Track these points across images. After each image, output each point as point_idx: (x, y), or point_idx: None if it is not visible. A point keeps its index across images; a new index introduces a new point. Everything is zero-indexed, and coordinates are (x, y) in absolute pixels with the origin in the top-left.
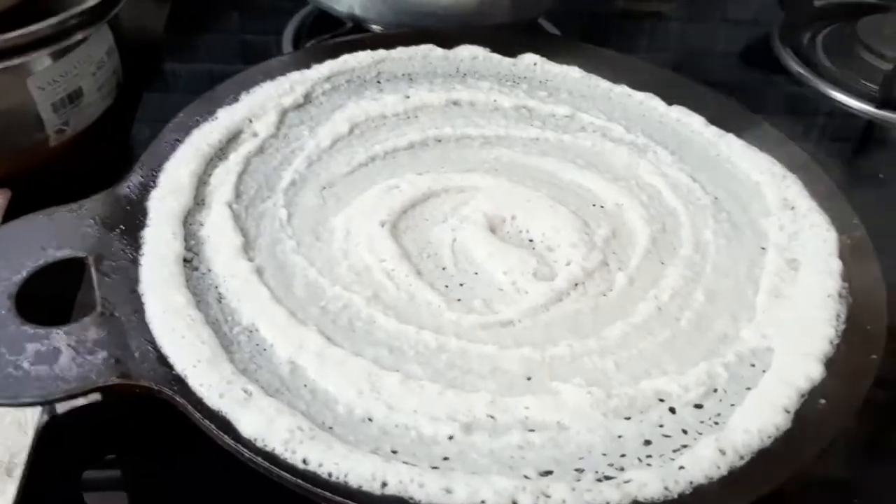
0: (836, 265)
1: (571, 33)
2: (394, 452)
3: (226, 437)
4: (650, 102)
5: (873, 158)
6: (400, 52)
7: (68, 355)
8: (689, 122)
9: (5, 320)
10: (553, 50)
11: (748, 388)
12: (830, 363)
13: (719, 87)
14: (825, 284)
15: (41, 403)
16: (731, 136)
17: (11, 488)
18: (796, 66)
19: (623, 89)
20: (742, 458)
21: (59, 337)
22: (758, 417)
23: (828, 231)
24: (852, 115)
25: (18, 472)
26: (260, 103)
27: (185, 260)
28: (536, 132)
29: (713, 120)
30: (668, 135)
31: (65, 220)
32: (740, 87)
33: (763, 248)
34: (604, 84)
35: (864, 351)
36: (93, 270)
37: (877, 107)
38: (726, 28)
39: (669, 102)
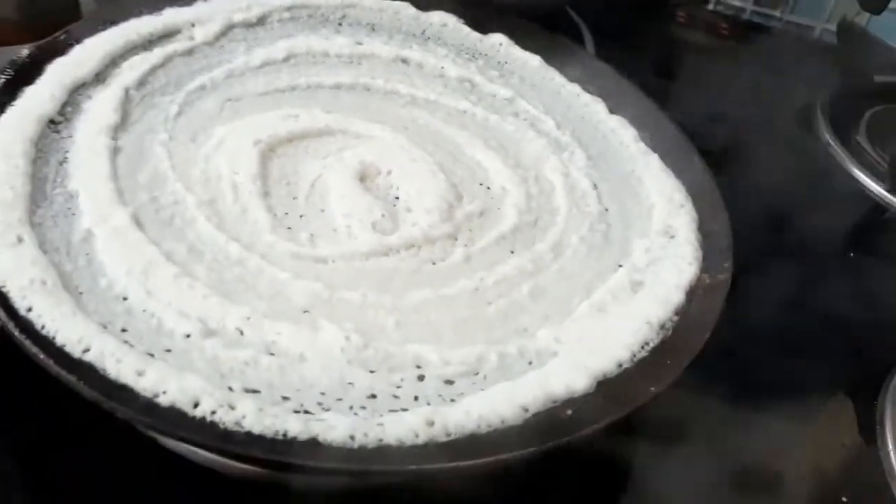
0: (677, 298)
1: (610, 48)
2: (123, 331)
3: None
4: (595, 106)
5: (862, 241)
6: (373, 2)
7: None
8: (622, 133)
9: None
10: (527, 37)
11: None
12: (604, 384)
13: (750, 139)
14: (651, 312)
15: None
16: (654, 157)
17: None
18: (825, 134)
19: (574, 88)
20: (448, 435)
21: None
22: (487, 405)
23: (689, 265)
24: (863, 195)
25: None
26: (211, 12)
27: (51, 121)
28: (467, 106)
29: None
30: (596, 140)
31: None
32: (770, 142)
33: (619, 266)
34: (558, 79)
35: (645, 382)
36: None
37: (888, 190)
38: (779, 82)
39: (614, 112)
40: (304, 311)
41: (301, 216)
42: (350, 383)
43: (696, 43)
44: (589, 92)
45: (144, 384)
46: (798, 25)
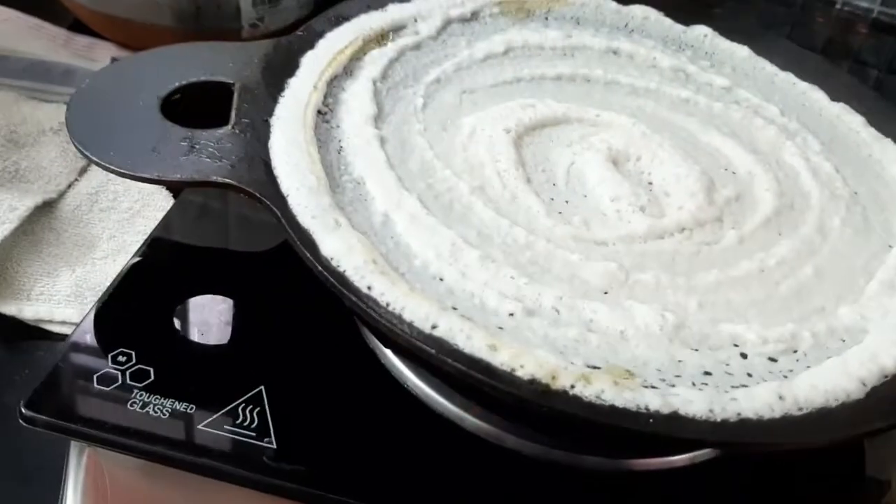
0: None
1: None
2: (454, 309)
3: (305, 250)
4: (813, 94)
5: None
6: None
7: (196, 153)
8: (848, 119)
9: (152, 114)
10: (728, 28)
11: (830, 358)
12: None
13: None
14: None
15: (162, 182)
16: (888, 141)
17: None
18: None
19: (788, 76)
20: (801, 409)
21: (190, 137)
22: (829, 379)
23: None
24: None
25: None
26: (429, 8)
27: (319, 112)
28: (688, 94)
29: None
30: (824, 127)
31: (226, 52)
32: None
33: (890, 246)
34: (770, 68)
35: None
36: (236, 95)
37: None
38: None
39: (835, 99)
40: (604, 293)
41: (566, 202)
42: (680, 361)
43: (830, 41)
44: (804, 80)
45: (501, 359)
46: None
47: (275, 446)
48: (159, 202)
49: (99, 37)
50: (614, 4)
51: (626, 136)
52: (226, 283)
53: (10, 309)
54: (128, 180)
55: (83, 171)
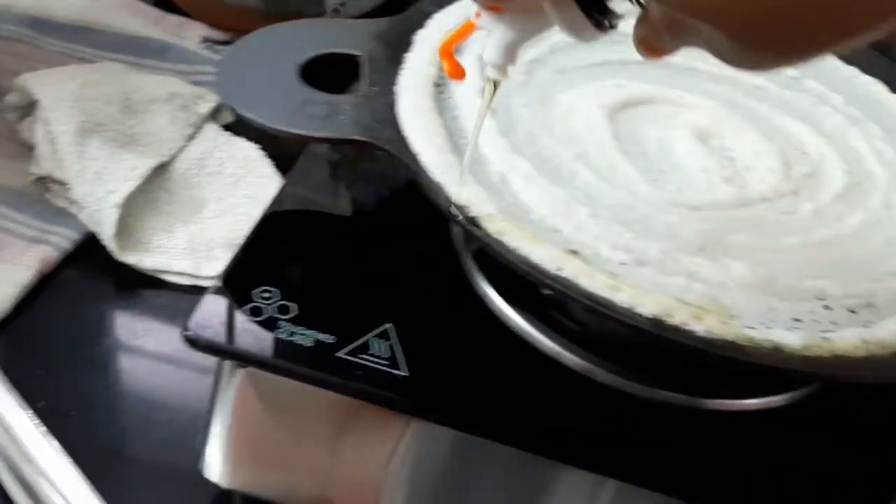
0: None
1: None
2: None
3: (440, 198)
4: (875, 87)
5: None
6: None
7: (335, 115)
8: None
9: (292, 81)
10: None
11: None
12: None
13: None
14: None
15: (309, 139)
16: None
17: None
18: None
19: (852, 70)
20: (884, 348)
21: (327, 99)
22: None
23: None
24: None
25: None
26: None
27: (435, 84)
28: (760, 81)
29: None
30: (885, 116)
31: (345, 28)
32: None
33: None
34: (835, 62)
35: None
36: (366, 66)
37: None
38: None
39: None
40: (701, 249)
41: (660, 171)
42: (773, 308)
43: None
44: (865, 73)
45: (622, 298)
46: None
47: (406, 374)
48: (261, 169)
49: (188, 16)
50: None
51: (709, 116)
52: (353, 239)
53: (131, 259)
54: (232, 148)
55: (191, 137)
